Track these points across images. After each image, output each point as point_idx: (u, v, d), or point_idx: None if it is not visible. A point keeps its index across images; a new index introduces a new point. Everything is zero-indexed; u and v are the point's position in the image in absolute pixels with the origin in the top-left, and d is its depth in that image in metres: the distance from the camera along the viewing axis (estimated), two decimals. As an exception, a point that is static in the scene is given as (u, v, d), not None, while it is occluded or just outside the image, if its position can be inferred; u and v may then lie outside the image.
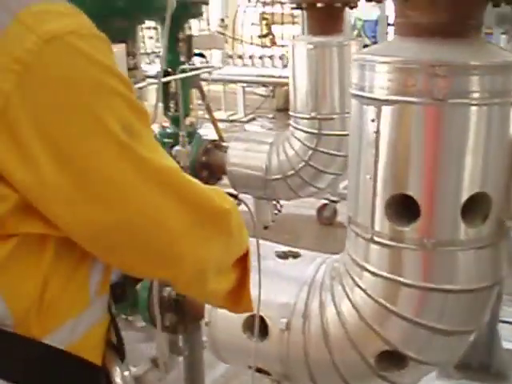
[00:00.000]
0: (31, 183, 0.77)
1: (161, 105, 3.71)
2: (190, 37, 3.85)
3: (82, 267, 0.93)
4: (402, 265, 1.50)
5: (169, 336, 2.44)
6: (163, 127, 3.86)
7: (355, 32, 6.04)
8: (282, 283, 1.75)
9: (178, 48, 3.78)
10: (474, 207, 1.41)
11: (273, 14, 10.69)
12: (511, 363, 2.66)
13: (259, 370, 1.83)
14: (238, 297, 1.21)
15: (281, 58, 8.11)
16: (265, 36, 11.34)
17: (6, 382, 0.83)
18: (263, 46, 9.99)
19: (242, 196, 1.35)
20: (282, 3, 9.94)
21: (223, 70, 8.61)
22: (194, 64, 3.80)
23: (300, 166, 3.35)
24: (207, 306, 1.79)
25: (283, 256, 1.84)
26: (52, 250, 0.86)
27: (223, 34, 8.63)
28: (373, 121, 1.43)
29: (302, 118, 3.31)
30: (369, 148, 1.47)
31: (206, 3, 4.03)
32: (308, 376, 1.72)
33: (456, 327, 1.55)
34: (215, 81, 8.85)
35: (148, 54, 4.51)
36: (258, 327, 1.63)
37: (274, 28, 11.02)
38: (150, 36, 4.97)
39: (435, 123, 1.36)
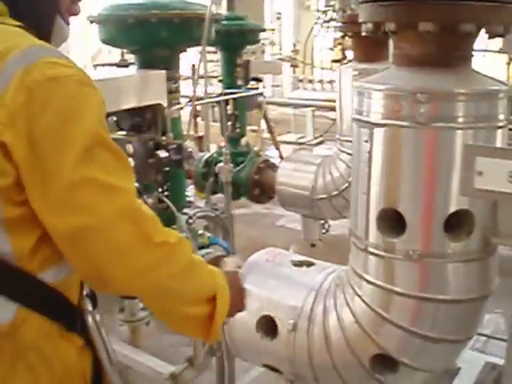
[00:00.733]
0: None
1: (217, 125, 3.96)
2: (247, 62, 4.09)
3: None
4: (395, 275, 1.63)
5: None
6: (220, 147, 4.11)
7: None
8: (293, 288, 1.91)
9: (236, 73, 4.04)
10: (459, 223, 1.53)
11: (345, 38, 10.82)
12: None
13: (272, 368, 1.99)
14: (207, 327, 1.44)
15: (351, 82, 8.22)
16: (338, 61, 11.51)
17: (7, 298, 1.14)
18: (334, 70, 10.15)
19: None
20: (354, 29, 10.06)
21: (293, 93, 8.89)
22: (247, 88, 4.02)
23: (344, 186, 3.49)
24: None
25: (298, 264, 2.00)
26: None
27: (294, 58, 8.91)
28: (366, 142, 1.59)
29: (347, 141, 3.45)
30: (364, 166, 1.62)
31: (263, 30, 4.27)
32: (312, 376, 1.86)
33: (448, 336, 1.65)
34: (285, 105, 9.12)
35: (210, 77, 4.83)
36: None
37: (348, 53, 11.17)
38: (211, 59, 5.32)
39: (418, 145, 1.49)
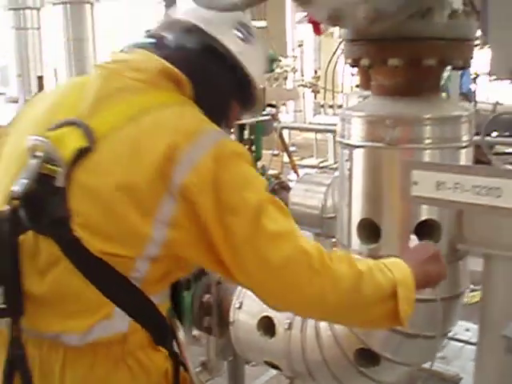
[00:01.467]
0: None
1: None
2: (263, 89, 4.36)
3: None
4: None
5: (218, 343, 2.85)
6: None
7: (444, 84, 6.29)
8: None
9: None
10: (428, 231, 1.75)
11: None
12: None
13: (272, 365, 2.22)
14: (397, 317, 1.47)
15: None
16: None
17: (125, 312, 1.30)
18: (355, 95, 10.37)
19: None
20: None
21: (315, 118, 9.14)
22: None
23: (351, 205, 3.70)
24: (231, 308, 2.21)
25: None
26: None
27: (315, 84, 9.20)
28: (347, 161, 1.83)
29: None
30: (346, 182, 1.86)
31: (277, 60, 4.55)
32: (306, 371, 2.08)
33: (424, 332, 1.85)
34: (305, 129, 9.37)
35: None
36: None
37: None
38: None
39: (391, 164, 1.72)
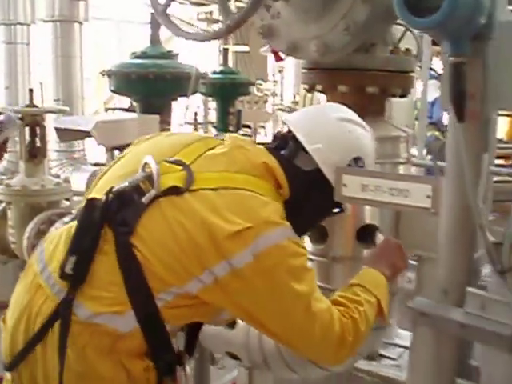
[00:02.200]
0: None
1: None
2: (239, 111, 4.66)
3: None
4: (325, 275, 2.11)
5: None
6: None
7: (415, 112, 6.63)
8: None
9: (229, 120, 4.60)
10: (369, 234, 2.02)
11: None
12: None
13: (233, 356, 2.45)
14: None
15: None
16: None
17: (135, 317, 1.40)
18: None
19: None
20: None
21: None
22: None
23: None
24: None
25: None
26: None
27: (294, 109, 9.53)
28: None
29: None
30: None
31: (253, 84, 4.86)
32: (263, 360, 2.32)
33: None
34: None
35: (209, 123, 5.52)
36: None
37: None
38: (209, 108, 6.05)
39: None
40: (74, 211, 3.00)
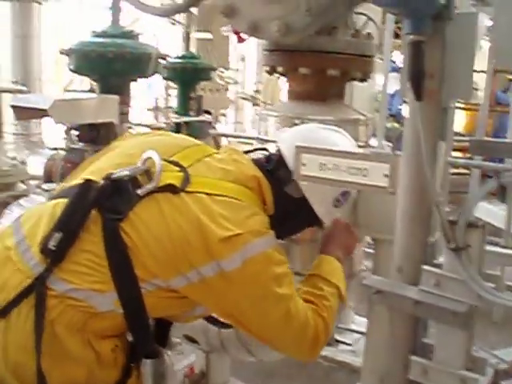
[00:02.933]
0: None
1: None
2: (200, 97, 4.63)
3: None
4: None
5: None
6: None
7: (376, 104, 6.71)
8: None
9: (190, 105, 4.57)
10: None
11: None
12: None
13: (190, 339, 2.44)
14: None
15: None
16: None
17: (118, 302, 1.42)
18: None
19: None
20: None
21: (254, 130, 9.41)
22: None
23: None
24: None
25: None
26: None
27: (255, 97, 9.52)
28: (262, 154, 2.10)
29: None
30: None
31: (214, 69, 4.83)
32: (220, 343, 2.32)
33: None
34: (232, 136, 9.59)
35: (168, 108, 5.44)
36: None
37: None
38: (169, 94, 5.98)
39: (297, 156, 2.01)
40: (33, 194, 2.96)
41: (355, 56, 2.01)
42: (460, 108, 6.67)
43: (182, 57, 4.64)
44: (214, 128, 4.78)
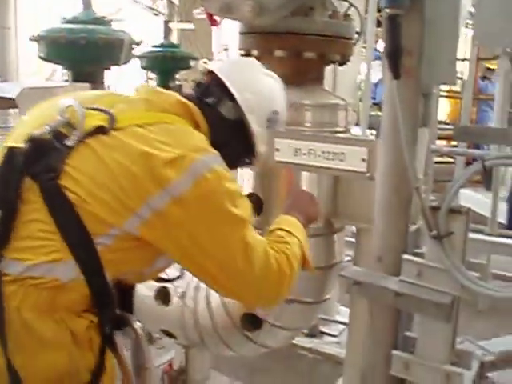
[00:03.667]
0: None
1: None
2: (180, 86, 4.54)
3: None
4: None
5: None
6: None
7: (359, 93, 6.64)
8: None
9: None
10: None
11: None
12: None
13: (168, 334, 2.37)
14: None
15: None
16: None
17: (78, 268, 1.35)
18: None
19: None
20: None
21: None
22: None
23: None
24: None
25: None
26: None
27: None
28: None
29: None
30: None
31: (194, 59, 4.73)
32: (199, 338, 2.25)
33: (300, 297, 2.05)
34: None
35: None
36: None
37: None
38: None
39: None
40: None
41: (333, 38, 1.92)
42: (443, 96, 6.63)
43: (161, 45, 4.54)
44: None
